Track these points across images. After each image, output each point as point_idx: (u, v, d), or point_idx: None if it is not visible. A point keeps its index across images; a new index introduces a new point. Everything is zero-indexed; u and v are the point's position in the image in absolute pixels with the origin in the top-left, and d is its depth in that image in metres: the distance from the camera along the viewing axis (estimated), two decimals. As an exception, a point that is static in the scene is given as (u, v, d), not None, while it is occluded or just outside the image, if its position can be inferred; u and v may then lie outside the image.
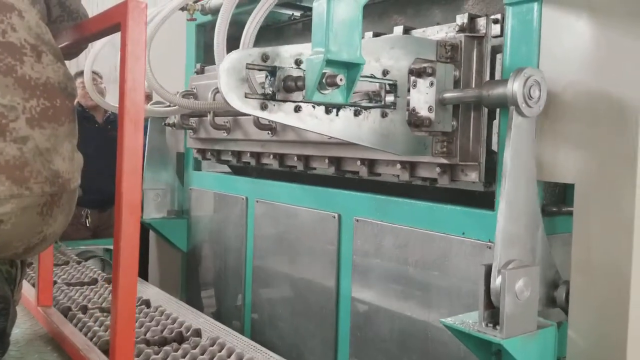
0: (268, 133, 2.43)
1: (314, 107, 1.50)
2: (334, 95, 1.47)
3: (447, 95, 1.71)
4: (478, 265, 1.54)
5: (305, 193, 2.48)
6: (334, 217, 2.31)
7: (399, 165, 1.96)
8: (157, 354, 1.52)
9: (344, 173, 2.27)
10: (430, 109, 1.69)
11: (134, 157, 1.00)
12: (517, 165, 1.51)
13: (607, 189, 1.47)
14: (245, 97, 1.37)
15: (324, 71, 1.40)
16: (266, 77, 1.46)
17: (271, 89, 1.45)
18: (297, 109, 1.47)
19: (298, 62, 1.44)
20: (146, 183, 3.11)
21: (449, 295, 1.89)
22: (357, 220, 2.21)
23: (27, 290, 1.42)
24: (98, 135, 3.90)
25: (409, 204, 2.02)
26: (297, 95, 1.49)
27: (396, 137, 1.68)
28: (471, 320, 1.58)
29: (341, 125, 1.56)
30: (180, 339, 1.70)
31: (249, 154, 2.74)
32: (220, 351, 1.60)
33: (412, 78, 1.72)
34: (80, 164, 1.20)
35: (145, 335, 1.65)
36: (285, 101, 1.46)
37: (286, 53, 1.44)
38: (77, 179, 1.17)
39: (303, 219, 2.49)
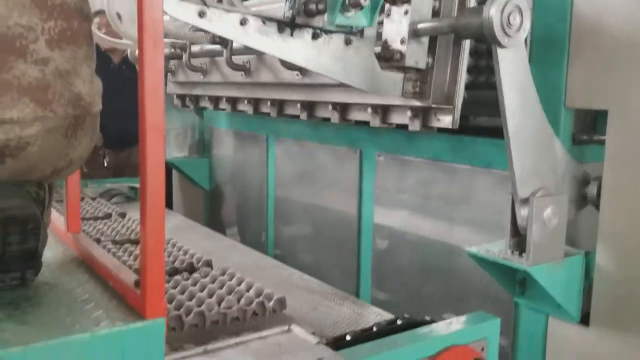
0: (242, 74, 2.28)
1: (264, 22, 1.35)
2: (358, 18, 1.41)
3: (421, 25, 1.50)
4: (504, 196, 1.52)
5: (326, 130, 2.45)
6: (356, 153, 2.29)
7: (369, 109, 1.81)
8: (168, 282, 1.54)
9: (316, 119, 2.14)
10: (402, 41, 1.49)
11: (155, 76, 0.98)
12: (515, 100, 1.40)
13: (642, 113, 1.42)
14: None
15: (347, -8, 1.34)
16: (286, 0, 1.41)
17: (291, 12, 1.39)
18: (243, 22, 1.31)
19: None
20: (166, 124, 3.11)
21: (473, 226, 1.88)
22: (379, 155, 2.19)
23: (56, 219, 1.44)
24: (114, 76, 3.89)
25: (432, 137, 1.98)
26: (318, 20, 1.43)
27: (362, 70, 1.49)
28: (496, 249, 1.57)
29: (297, 49, 1.40)
30: (191, 269, 1.73)
31: (224, 99, 2.62)
32: (230, 280, 1.62)
33: (387, 6, 1.53)
34: (100, 89, 1.18)
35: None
36: (227, 10, 1.28)
37: None
38: (98, 103, 1.16)
39: (324, 155, 2.47)
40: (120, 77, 3.74)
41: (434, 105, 1.56)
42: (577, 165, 1.58)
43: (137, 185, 3.14)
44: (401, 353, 1.28)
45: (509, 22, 1.31)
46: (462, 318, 1.42)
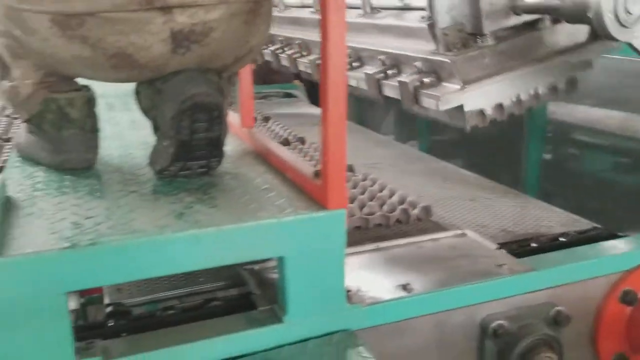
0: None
1: None
2: None
3: (522, 1, 1.14)
4: None
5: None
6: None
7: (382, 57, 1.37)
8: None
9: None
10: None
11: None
12: None
13: None
14: None
15: None
16: None
17: None
18: None
19: None
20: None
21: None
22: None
23: (229, 115, 1.47)
24: None
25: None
26: None
27: None
28: None
29: None
30: None
31: None
32: (372, 185, 1.57)
33: None
34: None
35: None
36: None
37: None
38: (273, -14, 1.11)
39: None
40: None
41: (448, 60, 1.15)
42: None
43: (291, 91, 3.17)
44: (591, 265, 1.16)
45: (627, 10, 0.98)
46: (664, 233, 1.25)
